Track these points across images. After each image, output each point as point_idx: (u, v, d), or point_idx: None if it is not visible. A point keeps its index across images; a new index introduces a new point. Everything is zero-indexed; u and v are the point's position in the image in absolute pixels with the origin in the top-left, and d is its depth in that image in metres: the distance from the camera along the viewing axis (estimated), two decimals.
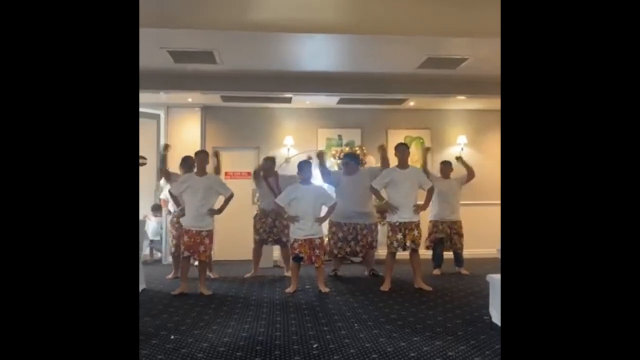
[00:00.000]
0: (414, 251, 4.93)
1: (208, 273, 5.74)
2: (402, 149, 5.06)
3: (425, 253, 5.63)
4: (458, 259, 5.95)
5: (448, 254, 6.00)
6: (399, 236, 4.86)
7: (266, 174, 5.70)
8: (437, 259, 5.89)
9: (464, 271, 5.85)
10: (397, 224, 4.89)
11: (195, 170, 5.03)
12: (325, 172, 5.62)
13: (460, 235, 5.89)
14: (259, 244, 5.80)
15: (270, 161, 5.80)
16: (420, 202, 5.03)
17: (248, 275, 5.74)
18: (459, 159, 6.02)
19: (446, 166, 5.97)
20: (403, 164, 5.01)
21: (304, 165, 5.00)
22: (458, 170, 6.02)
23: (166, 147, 5.69)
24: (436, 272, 5.83)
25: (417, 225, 4.93)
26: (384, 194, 5.09)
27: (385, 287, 4.93)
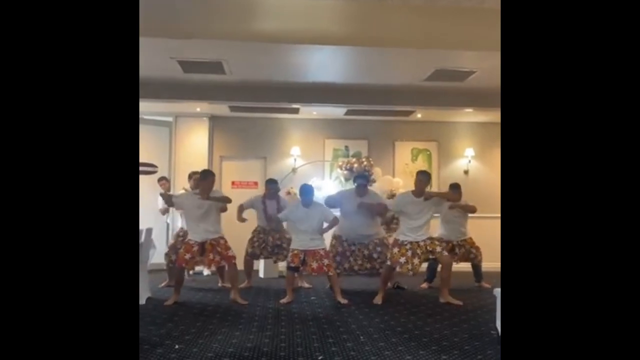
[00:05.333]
0: (447, 257, 4.95)
1: (220, 284, 5.74)
2: (421, 179, 4.96)
3: (456, 266, 5.53)
4: (477, 272, 5.87)
5: (460, 268, 5.93)
6: (395, 250, 4.86)
7: (269, 195, 5.72)
8: (430, 274, 5.83)
9: (485, 284, 5.76)
10: (406, 243, 4.86)
11: (197, 189, 5.00)
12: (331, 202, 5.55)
13: (477, 248, 5.78)
14: (251, 257, 5.83)
15: (275, 183, 5.83)
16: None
17: (242, 285, 5.68)
18: (452, 207, 5.68)
19: (455, 190, 5.77)
20: (418, 192, 4.94)
21: (305, 189, 5.08)
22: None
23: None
24: (424, 285, 5.80)
25: (432, 239, 4.95)
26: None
27: (377, 299, 4.89)
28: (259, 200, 5.78)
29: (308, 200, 5.04)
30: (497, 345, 3.40)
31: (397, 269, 4.89)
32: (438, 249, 4.89)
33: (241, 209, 5.74)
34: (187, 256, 4.80)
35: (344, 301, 4.80)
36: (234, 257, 4.89)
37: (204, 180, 4.88)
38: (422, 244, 4.85)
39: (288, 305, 4.77)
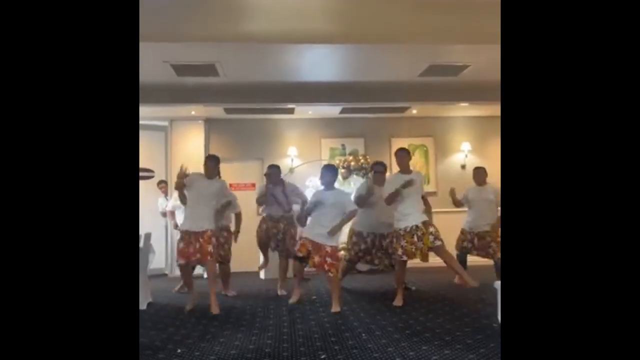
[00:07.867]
0: (439, 248, 4.55)
1: (223, 292, 5.37)
2: (402, 155, 4.78)
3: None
4: (499, 270, 5.46)
5: (473, 262, 5.87)
6: (404, 243, 4.55)
7: (270, 180, 5.47)
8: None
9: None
10: (408, 229, 4.55)
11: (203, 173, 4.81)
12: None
13: (498, 243, 5.42)
14: (264, 247, 5.64)
15: (276, 168, 5.56)
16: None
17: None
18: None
19: (479, 172, 5.69)
20: (404, 169, 4.75)
21: (325, 170, 4.78)
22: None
23: None
24: (457, 280, 5.60)
25: (429, 224, 4.62)
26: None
27: (398, 301, 4.62)
28: (263, 188, 5.52)
29: (328, 183, 4.69)
30: (500, 338, 3.41)
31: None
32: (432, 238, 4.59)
33: (260, 201, 5.58)
34: (181, 245, 4.54)
35: (337, 309, 4.38)
36: (210, 254, 4.53)
37: (208, 161, 4.82)
38: (420, 228, 4.57)
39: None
